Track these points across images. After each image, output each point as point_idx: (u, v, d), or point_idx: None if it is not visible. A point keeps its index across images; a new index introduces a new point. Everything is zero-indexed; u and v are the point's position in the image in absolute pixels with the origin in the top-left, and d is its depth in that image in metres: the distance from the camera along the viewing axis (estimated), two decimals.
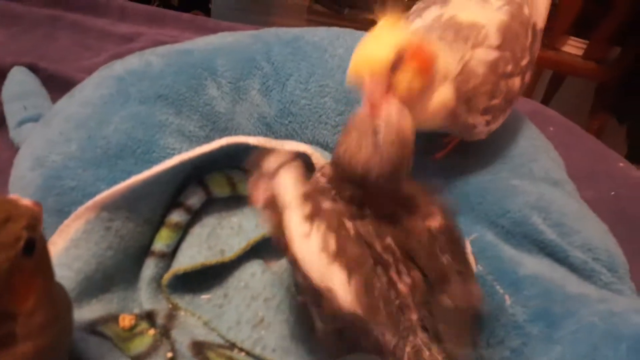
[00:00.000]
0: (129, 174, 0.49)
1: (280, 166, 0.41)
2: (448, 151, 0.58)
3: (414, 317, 0.40)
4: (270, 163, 0.42)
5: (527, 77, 0.54)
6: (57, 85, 0.73)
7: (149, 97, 0.55)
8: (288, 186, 0.40)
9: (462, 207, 0.53)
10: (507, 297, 0.46)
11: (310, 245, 0.38)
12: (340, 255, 0.38)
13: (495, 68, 0.49)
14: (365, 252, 0.39)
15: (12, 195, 0.34)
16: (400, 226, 0.42)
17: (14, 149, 0.60)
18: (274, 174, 0.41)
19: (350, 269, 0.38)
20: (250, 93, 0.60)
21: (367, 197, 0.42)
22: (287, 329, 0.49)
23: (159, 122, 0.54)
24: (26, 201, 0.33)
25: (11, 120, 0.66)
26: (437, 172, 0.57)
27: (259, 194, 0.41)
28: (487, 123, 0.51)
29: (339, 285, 0.38)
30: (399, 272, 0.41)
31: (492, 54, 0.49)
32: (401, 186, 0.42)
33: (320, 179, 0.44)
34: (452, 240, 0.43)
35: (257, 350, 0.48)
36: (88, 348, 0.42)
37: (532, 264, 0.48)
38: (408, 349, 0.39)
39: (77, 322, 0.43)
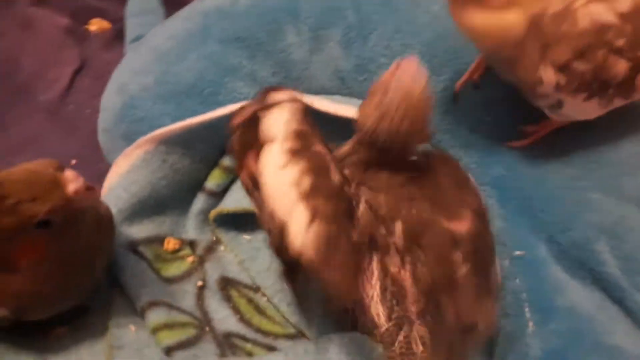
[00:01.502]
0: (193, 113, 0.52)
1: (280, 102, 0.40)
2: (531, 143, 0.51)
3: (413, 308, 0.39)
4: (272, 97, 0.41)
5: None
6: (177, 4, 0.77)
7: (228, 38, 0.56)
8: (279, 121, 0.39)
9: (522, 212, 0.48)
10: (531, 323, 0.42)
11: (282, 177, 0.38)
12: (310, 197, 0.37)
13: (603, 33, 0.41)
14: (341, 209, 0.38)
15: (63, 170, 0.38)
16: (418, 217, 0.40)
17: None
18: (270, 106, 0.40)
19: (316, 214, 0.37)
20: (330, 44, 0.58)
21: (382, 163, 0.40)
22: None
23: (231, 65, 0.55)
24: (69, 177, 0.37)
25: (128, 36, 0.72)
26: (502, 159, 0.51)
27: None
28: (558, 88, 0.43)
29: (296, 224, 0.37)
30: (402, 259, 0.39)
31: (608, 18, 0.41)
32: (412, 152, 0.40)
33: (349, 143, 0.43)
34: (480, 249, 0.40)
35: (275, 300, 0.51)
36: (126, 264, 0.48)
37: (577, 296, 0.43)
38: (400, 338, 0.39)
39: (124, 238, 0.50)
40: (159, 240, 0.53)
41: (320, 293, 0.43)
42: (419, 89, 0.38)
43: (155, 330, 0.45)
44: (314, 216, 0.37)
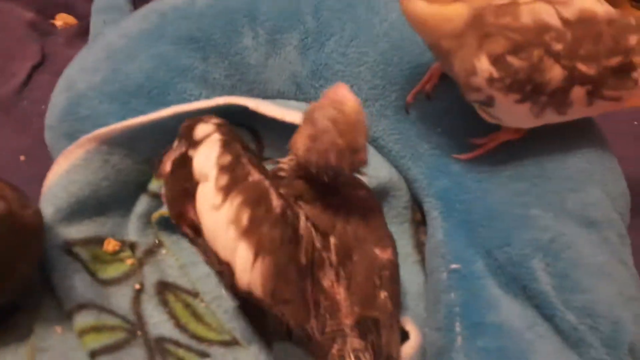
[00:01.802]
0: (139, 113, 0.51)
1: (207, 136, 0.40)
2: (477, 155, 0.51)
3: (348, 321, 0.38)
4: (197, 132, 0.40)
5: (581, 97, 0.44)
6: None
7: (182, 38, 0.55)
8: (210, 158, 0.39)
9: (463, 225, 0.47)
10: (459, 338, 0.41)
11: (219, 217, 0.37)
12: (251, 232, 0.37)
13: (542, 33, 0.42)
14: (287, 235, 0.37)
15: None
16: (352, 235, 0.40)
17: None
18: (197, 143, 0.40)
19: (260, 249, 0.37)
20: (286, 48, 0.57)
21: (318, 183, 0.40)
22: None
23: (183, 66, 0.55)
24: None
25: (92, 32, 0.71)
26: (449, 172, 0.50)
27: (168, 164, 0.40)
28: (491, 82, 0.42)
29: (240, 263, 0.37)
30: (337, 274, 0.39)
31: (551, 20, 0.42)
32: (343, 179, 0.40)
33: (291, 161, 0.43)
34: (396, 281, 0.41)
35: (213, 306, 0.50)
36: (58, 265, 0.47)
37: (509, 312, 0.42)
38: (334, 351, 0.38)
39: (60, 238, 0.49)
40: (99, 241, 0.52)
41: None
42: (352, 116, 0.37)
43: (82, 333, 0.44)
44: (257, 251, 0.37)
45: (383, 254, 0.40)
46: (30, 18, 0.75)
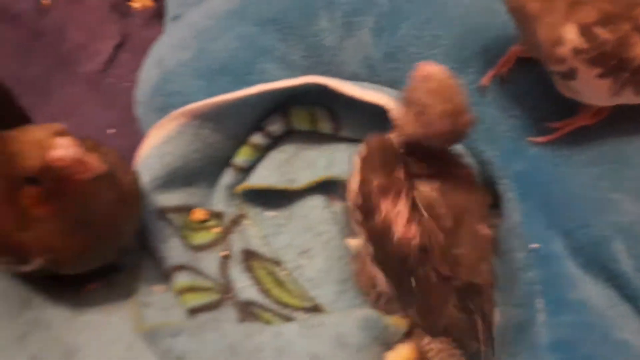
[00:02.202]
0: (225, 91, 0.54)
1: None
2: (554, 139, 0.52)
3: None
4: None
5: None
6: None
7: (263, 20, 0.58)
8: None
9: (541, 207, 0.49)
10: (542, 314, 0.43)
11: None
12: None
13: (633, 7, 0.41)
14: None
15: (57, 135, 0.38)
16: (459, 210, 0.43)
17: None
18: None
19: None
20: (362, 31, 0.59)
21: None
22: (328, 264, 0.53)
23: (264, 47, 0.57)
24: (57, 143, 0.37)
25: (169, 14, 0.74)
26: (525, 155, 0.51)
27: None
28: (576, 52, 0.42)
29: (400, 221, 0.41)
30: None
31: None
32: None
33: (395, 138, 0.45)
34: (493, 255, 0.44)
35: (295, 274, 0.53)
36: (155, 229, 0.51)
37: (589, 291, 0.43)
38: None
39: (155, 205, 0.52)
40: (188, 209, 0.55)
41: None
42: (446, 82, 0.40)
43: (180, 293, 0.48)
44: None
45: (484, 230, 0.43)
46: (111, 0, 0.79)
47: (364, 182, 0.45)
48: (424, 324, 0.44)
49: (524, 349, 0.42)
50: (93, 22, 0.77)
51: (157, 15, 0.78)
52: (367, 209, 0.45)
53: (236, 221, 0.56)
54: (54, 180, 0.39)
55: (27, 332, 0.44)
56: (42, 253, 0.42)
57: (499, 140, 0.53)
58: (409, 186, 0.44)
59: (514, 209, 0.50)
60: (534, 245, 0.46)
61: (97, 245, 0.44)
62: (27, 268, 0.44)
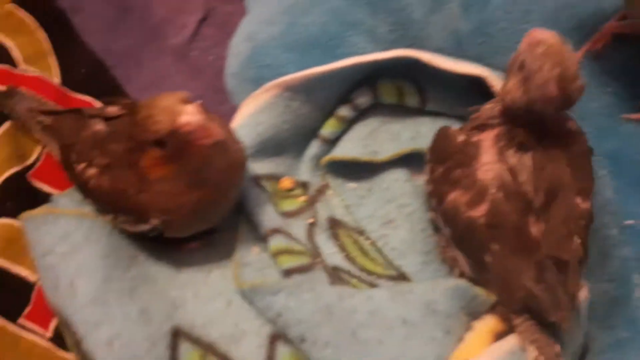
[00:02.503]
0: (315, 64, 0.56)
1: None
2: None
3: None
4: None
5: None
6: None
7: None
8: None
9: (635, 184, 0.48)
10: (638, 289, 0.43)
11: None
12: None
13: None
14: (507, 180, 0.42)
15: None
16: (557, 181, 0.43)
17: None
18: None
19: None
20: (451, 4, 0.59)
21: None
22: (411, 235, 0.55)
23: (353, 20, 0.58)
24: (186, 110, 0.40)
25: None
26: (619, 132, 0.50)
27: None
28: None
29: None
30: (538, 215, 0.43)
31: None
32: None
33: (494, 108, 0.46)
34: (589, 231, 0.43)
35: (380, 244, 0.55)
36: (251, 195, 0.53)
37: None
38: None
39: (249, 171, 0.55)
40: (277, 178, 0.58)
41: None
42: (558, 46, 0.40)
43: (276, 254, 0.50)
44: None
45: (583, 204, 0.42)
46: None
47: (432, 171, 0.48)
48: (502, 298, 0.45)
49: (622, 322, 0.43)
50: None
51: None
52: (438, 196, 0.47)
53: (321, 191, 0.58)
54: (178, 144, 0.41)
55: (136, 286, 0.48)
56: (159, 214, 0.45)
57: (591, 117, 0.52)
58: (477, 165, 0.45)
59: (605, 186, 0.49)
60: (629, 222, 0.46)
61: (206, 209, 0.47)
62: (143, 228, 0.47)
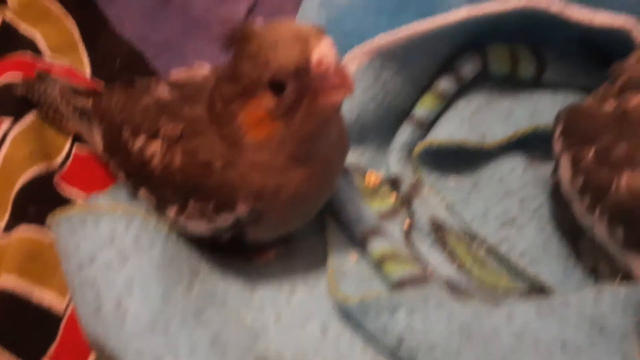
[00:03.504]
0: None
1: None
2: None
3: None
4: None
5: None
6: None
7: None
8: None
9: None
10: None
11: None
12: None
13: None
14: None
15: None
16: None
17: None
18: None
19: None
20: None
21: None
22: (543, 237, 0.43)
23: None
24: (322, 45, 0.30)
25: None
26: None
27: None
28: None
29: None
30: None
31: None
32: None
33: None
34: None
35: (503, 249, 0.42)
36: (340, 189, 0.42)
37: None
38: None
39: None
40: (360, 171, 0.46)
41: None
42: None
43: (381, 260, 0.38)
44: None
45: None
46: None
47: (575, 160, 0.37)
48: None
49: None
50: None
51: None
52: (596, 188, 0.36)
53: (416, 187, 0.47)
54: (301, 90, 0.30)
55: (202, 308, 0.36)
56: (251, 197, 0.33)
57: None
58: None
59: None
60: None
61: (310, 194, 0.35)
62: (224, 221, 0.35)
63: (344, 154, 0.37)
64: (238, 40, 0.31)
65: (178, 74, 0.40)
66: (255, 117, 0.31)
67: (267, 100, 0.31)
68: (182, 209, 0.35)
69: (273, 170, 0.33)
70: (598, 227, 0.37)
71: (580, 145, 0.37)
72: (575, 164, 0.37)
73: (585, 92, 0.46)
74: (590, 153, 0.36)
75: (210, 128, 0.33)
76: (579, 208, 0.38)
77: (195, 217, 0.35)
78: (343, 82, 0.30)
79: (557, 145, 0.40)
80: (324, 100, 0.30)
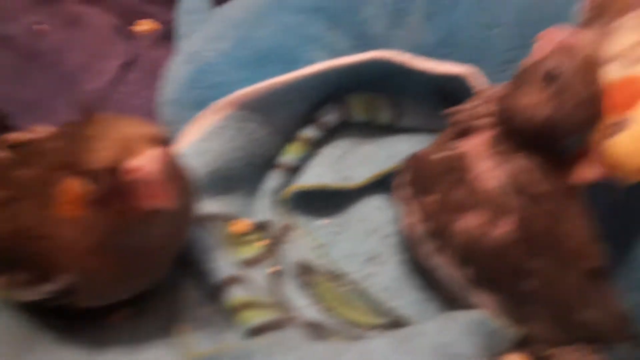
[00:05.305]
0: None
1: None
2: None
3: None
4: None
5: None
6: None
7: (306, 8, 0.52)
8: None
9: None
10: None
11: None
12: None
13: None
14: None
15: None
16: None
17: None
18: None
19: None
20: (411, 17, 0.54)
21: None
22: (403, 270, 0.45)
23: (310, 35, 0.51)
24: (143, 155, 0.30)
25: (181, 32, 0.69)
26: None
27: None
28: None
29: None
30: None
31: None
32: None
33: (480, 108, 0.39)
34: None
35: (366, 285, 0.44)
36: (197, 239, 0.42)
37: None
38: None
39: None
40: (227, 219, 0.46)
41: None
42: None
43: (237, 310, 0.38)
44: None
45: None
46: (114, 23, 0.74)
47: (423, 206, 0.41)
48: (555, 330, 0.37)
49: None
50: (94, 44, 0.70)
51: (165, 36, 0.73)
52: (441, 232, 0.40)
53: (285, 231, 0.48)
54: (111, 189, 0.30)
55: None
56: (69, 267, 0.33)
57: None
58: (477, 176, 0.38)
59: None
60: None
61: (136, 272, 0.35)
62: (46, 290, 0.34)
63: (182, 233, 0.38)
64: (81, 120, 0.32)
65: (20, 135, 0.39)
66: (70, 194, 0.31)
67: (79, 185, 0.31)
68: (10, 279, 0.34)
69: (88, 248, 0.32)
70: (448, 271, 0.39)
71: (424, 193, 0.40)
72: (423, 209, 0.40)
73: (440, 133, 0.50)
74: (433, 199, 0.39)
75: (36, 194, 0.32)
76: (428, 250, 0.40)
77: (23, 288, 0.34)
78: (152, 195, 0.30)
79: (403, 193, 0.42)
80: (136, 204, 0.31)
